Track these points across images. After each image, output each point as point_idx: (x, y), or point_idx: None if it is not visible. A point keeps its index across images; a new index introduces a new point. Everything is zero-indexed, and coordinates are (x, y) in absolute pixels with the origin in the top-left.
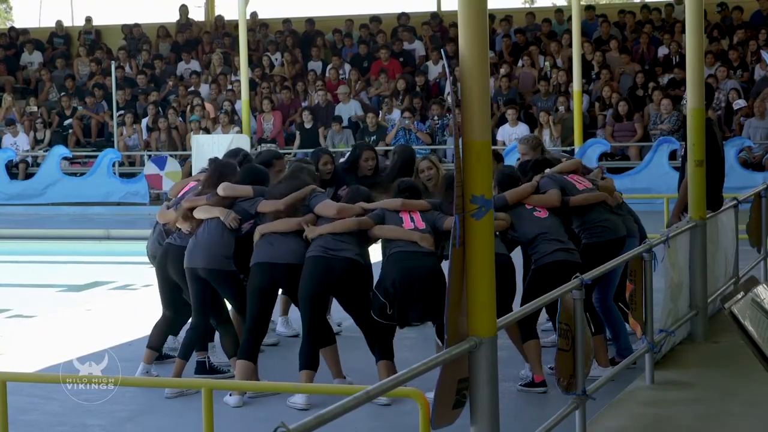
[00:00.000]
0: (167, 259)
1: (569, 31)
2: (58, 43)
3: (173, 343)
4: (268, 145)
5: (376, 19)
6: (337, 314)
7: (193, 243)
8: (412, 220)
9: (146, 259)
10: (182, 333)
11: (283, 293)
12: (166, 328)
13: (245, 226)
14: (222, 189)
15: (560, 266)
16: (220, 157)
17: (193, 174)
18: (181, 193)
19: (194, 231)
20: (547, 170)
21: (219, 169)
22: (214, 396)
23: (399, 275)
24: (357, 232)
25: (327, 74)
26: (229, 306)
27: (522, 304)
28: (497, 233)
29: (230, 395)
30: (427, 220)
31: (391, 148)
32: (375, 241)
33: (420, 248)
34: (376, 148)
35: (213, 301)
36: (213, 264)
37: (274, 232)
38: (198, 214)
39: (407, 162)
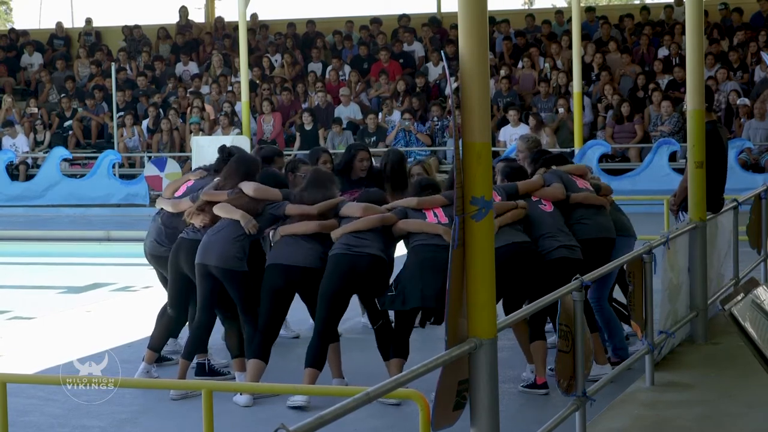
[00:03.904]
0: (179, 253)
1: (569, 33)
2: (58, 44)
3: (174, 346)
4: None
5: (376, 20)
6: None
7: (207, 240)
8: (435, 215)
9: (146, 260)
10: (183, 336)
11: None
12: (168, 328)
13: (267, 231)
14: (253, 189)
15: (563, 264)
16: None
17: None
18: (180, 192)
19: (208, 225)
20: (553, 167)
21: (245, 165)
22: (215, 398)
23: (421, 266)
24: (381, 231)
25: (327, 76)
26: None
27: (528, 302)
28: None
29: (240, 394)
30: (449, 215)
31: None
32: (400, 239)
33: (443, 241)
34: (376, 149)
35: (223, 296)
36: (226, 263)
37: (294, 234)
38: (218, 210)
39: (397, 166)
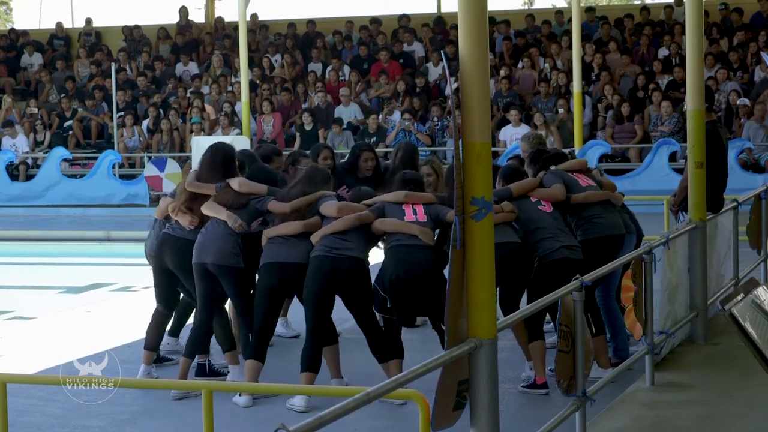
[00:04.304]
0: (164, 249)
1: (569, 33)
2: (58, 44)
3: (174, 346)
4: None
5: (376, 20)
6: (337, 316)
7: (202, 239)
8: (414, 212)
9: (146, 260)
10: (183, 336)
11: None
12: (161, 326)
13: (254, 225)
14: (238, 184)
15: (564, 264)
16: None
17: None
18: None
19: (196, 225)
20: (552, 167)
21: (220, 154)
22: (215, 398)
23: (396, 269)
24: (362, 231)
25: (327, 76)
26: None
27: (528, 302)
28: (511, 223)
29: (239, 395)
30: (429, 213)
31: (391, 149)
32: (380, 238)
33: (419, 242)
34: (376, 150)
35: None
36: (222, 260)
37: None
38: (205, 210)
39: (410, 158)
